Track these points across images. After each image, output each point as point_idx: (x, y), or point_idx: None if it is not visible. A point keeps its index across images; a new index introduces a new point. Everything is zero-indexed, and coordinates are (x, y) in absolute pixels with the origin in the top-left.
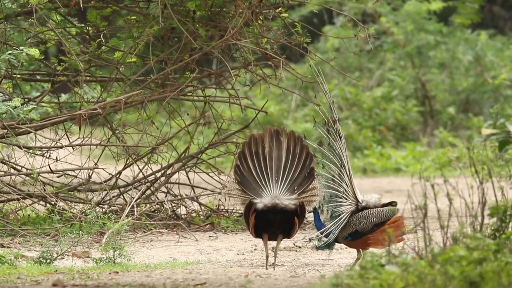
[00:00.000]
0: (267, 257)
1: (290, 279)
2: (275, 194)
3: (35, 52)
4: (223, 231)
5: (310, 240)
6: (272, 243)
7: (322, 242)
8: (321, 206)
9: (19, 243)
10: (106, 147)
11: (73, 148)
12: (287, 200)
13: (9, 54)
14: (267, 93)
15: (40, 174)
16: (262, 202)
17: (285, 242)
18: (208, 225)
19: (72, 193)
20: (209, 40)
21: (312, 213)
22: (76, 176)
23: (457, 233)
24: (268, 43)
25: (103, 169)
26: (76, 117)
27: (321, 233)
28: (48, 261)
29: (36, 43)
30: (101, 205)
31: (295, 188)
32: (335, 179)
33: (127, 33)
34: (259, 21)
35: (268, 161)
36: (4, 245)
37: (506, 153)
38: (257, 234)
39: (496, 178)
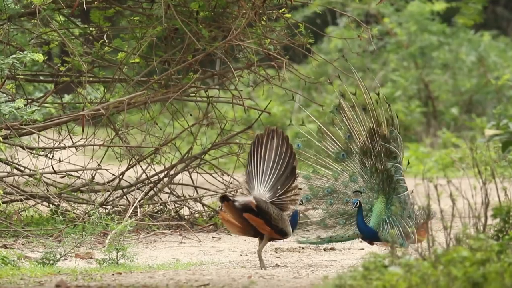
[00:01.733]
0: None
1: (293, 280)
2: (256, 193)
3: (39, 57)
4: (226, 232)
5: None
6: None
7: (404, 242)
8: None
9: (22, 244)
10: (109, 147)
11: (76, 149)
12: (254, 198)
13: (13, 57)
14: (270, 94)
15: (43, 174)
16: (237, 200)
17: (289, 243)
18: (211, 226)
19: (75, 193)
20: (212, 40)
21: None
22: (79, 177)
23: (460, 234)
24: (271, 44)
25: (106, 169)
26: (79, 117)
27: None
28: (51, 262)
29: (39, 43)
30: (104, 206)
31: (279, 187)
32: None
33: (130, 33)
34: (262, 21)
35: (261, 161)
36: (7, 246)
37: (509, 154)
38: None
39: (499, 178)
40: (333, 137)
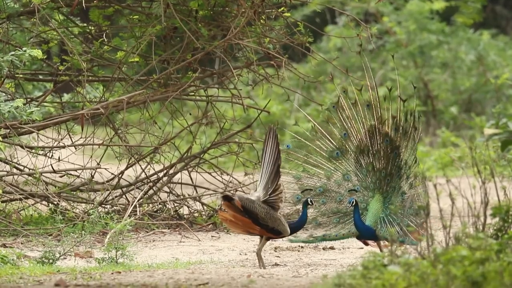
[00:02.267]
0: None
1: (293, 279)
2: (257, 192)
3: (37, 53)
4: (226, 231)
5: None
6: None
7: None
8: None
9: (21, 243)
10: (108, 147)
11: (75, 148)
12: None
13: (12, 55)
14: (269, 93)
15: (43, 174)
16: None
17: (288, 242)
18: (211, 225)
19: (74, 193)
20: (212, 39)
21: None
22: (78, 176)
23: (459, 233)
24: (271, 43)
25: (105, 169)
26: (79, 117)
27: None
28: (51, 261)
29: (39, 42)
30: (103, 205)
31: (269, 185)
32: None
33: (129, 32)
34: (261, 20)
35: (262, 159)
36: (7, 245)
37: (508, 153)
38: None
39: (499, 178)
40: (327, 136)
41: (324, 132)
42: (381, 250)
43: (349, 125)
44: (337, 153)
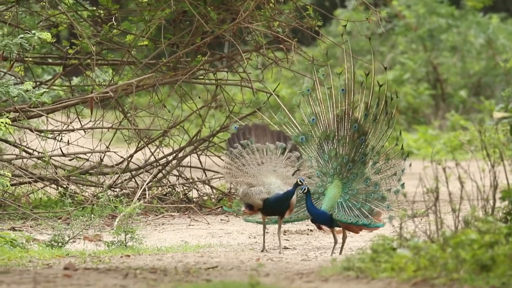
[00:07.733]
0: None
1: (302, 263)
2: None
3: (47, 36)
4: (235, 214)
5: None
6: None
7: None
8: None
9: (30, 227)
10: (117, 130)
11: (84, 131)
12: None
13: (21, 38)
14: (278, 76)
15: (52, 157)
16: None
17: (298, 225)
18: (220, 208)
19: (83, 176)
20: (221, 23)
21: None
22: (87, 159)
23: (468, 217)
24: (280, 27)
25: (114, 152)
26: (88, 100)
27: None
28: (60, 244)
29: (48, 26)
30: (112, 189)
31: None
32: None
33: (138, 16)
34: (270, 4)
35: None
36: (16, 228)
37: None
38: None
39: (508, 161)
40: (294, 121)
41: (291, 118)
42: (334, 237)
43: (319, 110)
44: (302, 138)
